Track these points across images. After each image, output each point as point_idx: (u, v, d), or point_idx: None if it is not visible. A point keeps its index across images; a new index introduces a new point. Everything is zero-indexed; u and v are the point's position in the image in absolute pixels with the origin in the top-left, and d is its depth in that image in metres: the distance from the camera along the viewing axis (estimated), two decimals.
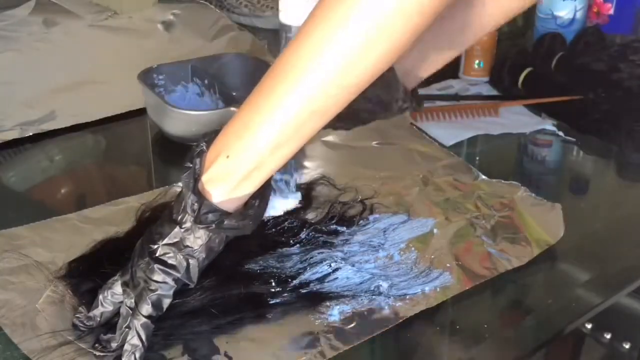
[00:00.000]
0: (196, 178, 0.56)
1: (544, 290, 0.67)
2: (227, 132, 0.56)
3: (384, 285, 0.64)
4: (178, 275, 0.56)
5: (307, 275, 0.65)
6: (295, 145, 0.55)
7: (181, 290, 0.58)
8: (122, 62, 1.08)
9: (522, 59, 1.07)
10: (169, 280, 0.56)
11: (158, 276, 0.56)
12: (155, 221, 0.59)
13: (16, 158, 0.86)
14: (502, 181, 0.81)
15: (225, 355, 0.57)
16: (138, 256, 0.57)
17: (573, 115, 0.97)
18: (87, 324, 0.58)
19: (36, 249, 0.67)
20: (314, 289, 0.64)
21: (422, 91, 0.98)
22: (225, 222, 0.56)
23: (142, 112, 0.92)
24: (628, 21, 1.20)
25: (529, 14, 1.25)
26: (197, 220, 0.55)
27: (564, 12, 1.14)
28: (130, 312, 0.56)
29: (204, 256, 0.57)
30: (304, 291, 0.64)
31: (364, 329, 0.60)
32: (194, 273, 0.57)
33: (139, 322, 0.55)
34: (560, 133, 0.95)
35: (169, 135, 0.88)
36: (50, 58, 1.11)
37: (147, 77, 0.90)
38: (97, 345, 0.57)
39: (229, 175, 0.55)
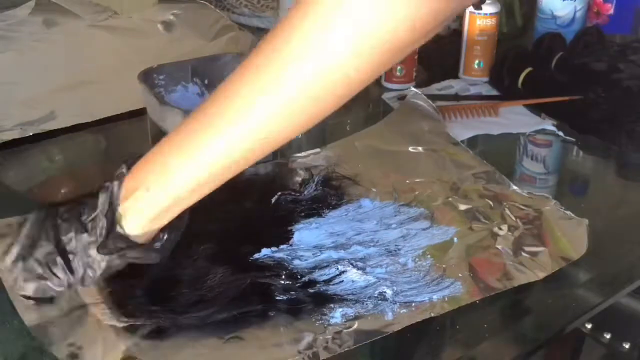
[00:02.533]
0: (111, 202, 0.55)
1: (544, 290, 0.67)
2: (147, 166, 0.56)
3: (389, 291, 0.64)
4: (72, 280, 0.57)
5: (315, 276, 0.65)
6: (215, 184, 0.55)
7: (193, 280, 0.59)
8: (122, 62, 1.08)
9: (522, 59, 1.07)
10: (64, 278, 0.57)
11: (58, 271, 0.57)
12: None
13: (16, 158, 0.86)
14: (534, 193, 0.79)
15: (222, 348, 0.57)
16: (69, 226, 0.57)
17: (573, 115, 0.97)
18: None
19: None
20: (320, 289, 0.64)
21: (422, 91, 0.98)
22: (128, 254, 0.56)
23: (142, 112, 0.92)
24: (628, 21, 1.20)
25: (529, 14, 1.25)
26: (102, 245, 0.55)
27: (564, 12, 1.14)
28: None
29: (102, 270, 0.57)
30: (311, 291, 0.64)
31: (363, 334, 0.60)
32: (90, 283, 0.58)
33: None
34: (560, 133, 0.95)
35: None
36: (50, 58, 1.11)
37: (147, 77, 0.90)
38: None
39: (147, 209, 0.55)
